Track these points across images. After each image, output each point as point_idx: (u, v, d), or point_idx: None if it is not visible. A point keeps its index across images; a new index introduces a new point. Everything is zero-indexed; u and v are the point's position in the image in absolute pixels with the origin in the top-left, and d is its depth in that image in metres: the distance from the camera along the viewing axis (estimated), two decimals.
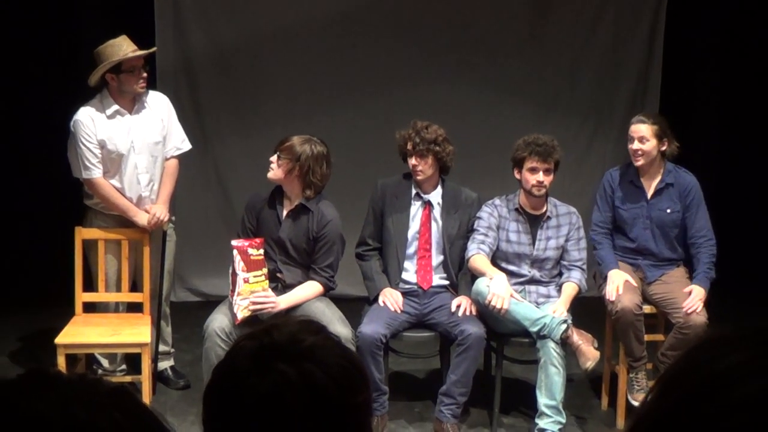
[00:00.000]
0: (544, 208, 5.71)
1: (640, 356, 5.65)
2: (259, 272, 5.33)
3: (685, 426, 0.85)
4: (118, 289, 5.87)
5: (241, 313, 5.25)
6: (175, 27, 7.76)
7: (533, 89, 8.12)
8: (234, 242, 5.35)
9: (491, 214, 5.70)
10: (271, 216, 5.51)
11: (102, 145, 5.64)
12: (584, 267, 5.73)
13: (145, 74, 5.72)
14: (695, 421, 0.85)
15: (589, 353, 5.32)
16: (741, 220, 8.03)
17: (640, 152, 5.68)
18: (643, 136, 5.67)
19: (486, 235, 5.65)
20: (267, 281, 5.37)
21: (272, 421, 1.56)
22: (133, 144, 5.71)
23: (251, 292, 5.29)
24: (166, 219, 5.79)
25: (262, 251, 5.35)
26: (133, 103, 5.74)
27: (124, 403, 1.15)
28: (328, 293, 5.58)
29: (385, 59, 7.94)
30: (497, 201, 5.76)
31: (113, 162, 5.69)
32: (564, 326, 5.34)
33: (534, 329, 5.35)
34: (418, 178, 5.68)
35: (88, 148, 5.61)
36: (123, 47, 5.66)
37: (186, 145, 6.00)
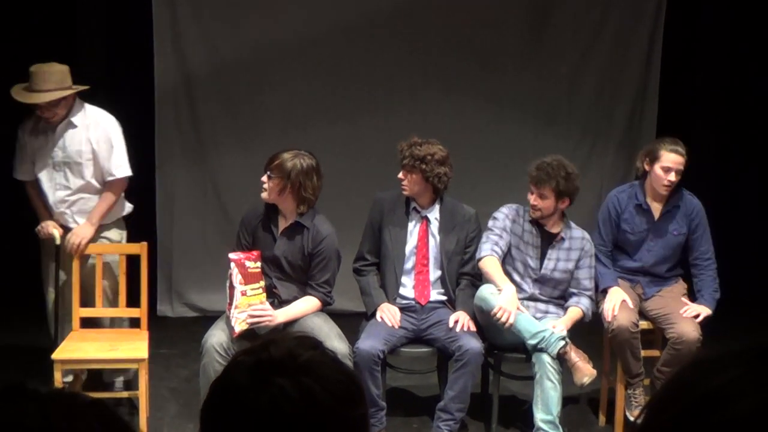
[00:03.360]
0: (559, 229, 5.70)
1: (637, 373, 5.66)
2: (256, 285, 5.35)
3: None
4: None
5: (239, 326, 5.26)
6: (173, 43, 7.78)
7: (533, 103, 8.15)
8: (231, 255, 5.37)
9: (507, 216, 5.72)
10: (267, 233, 5.53)
11: (30, 152, 5.81)
12: (593, 297, 5.73)
13: (45, 114, 5.66)
14: None
15: (586, 370, 5.34)
16: (738, 238, 8.05)
17: (672, 184, 5.68)
18: (680, 169, 5.66)
19: (500, 237, 5.66)
20: (264, 294, 5.39)
21: None
22: (53, 158, 5.76)
23: (249, 305, 5.31)
24: (82, 243, 5.73)
25: (259, 264, 5.37)
26: (58, 121, 5.76)
27: (104, 415, 1.14)
28: (325, 308, 5.59)
29: (383, 73, 7.97)
30: (516, 206, 5.77)
31: (37, 169, 5.81)
32: (562, 342, 5.35)
33: (532, 342, 5.37)
34: (404, 192, 5.71)
35: (18, 151, 5.87)
36: (32, 82, 5.64)
37: (120, 172, 5.85)
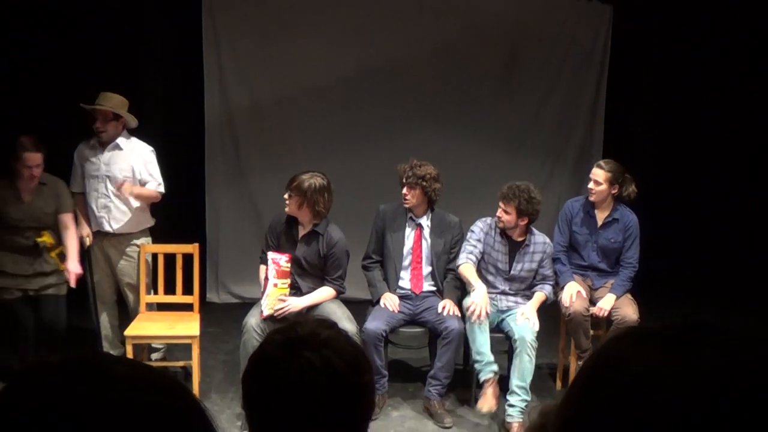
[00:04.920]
0: (523, 238, 5.64)
1: (587, 348, 5.69)
2: (285, 281, 5.40)
3: (614, 424, 0.78)
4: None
5: (267, 311, 5.34)
6: (220, 86, 7.81)
7: (505, 132, 8.13)
8: (270, 254, 5.41)
9: (482, 229, 5.68)
10: (289, 238, 5.55)
11: (81, 167, 5.85)
12: (553, 283, 5.74)
13: (98, 125, 5.70)
14: (622, 419, 0.77)
15: (491, 403, 5.35)
16: (671, 238, 8.09)
17: (593, 191, 5.75)
18: (597, 179, 5.73)
19: (475, 246, 5.64)
20: (288, 289, 5.44)
21: (299, 397, 1.61)
22: (99, 173, 5.78)
23: (277, 296, 5.37)
24: (126, 189, 5.70)
25: (290, 265, 5.42)
26: (106, 144, 5.79)
27: (173, 385, 1.00)
28: (339, 296, 5.63)
29: (385, 109, 7.97)
30: (489, 219, 5.70)
31: (86, 181, 5.84)
32: (491, 374, 5.36)
33: (474, 357, 5.42)
34: (406, 205, 5.73)
35: (73, 168, 5.90)
36: (97, 100, 5.71)
37: (160, 189, 5.88)
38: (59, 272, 5.49)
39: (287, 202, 5.44)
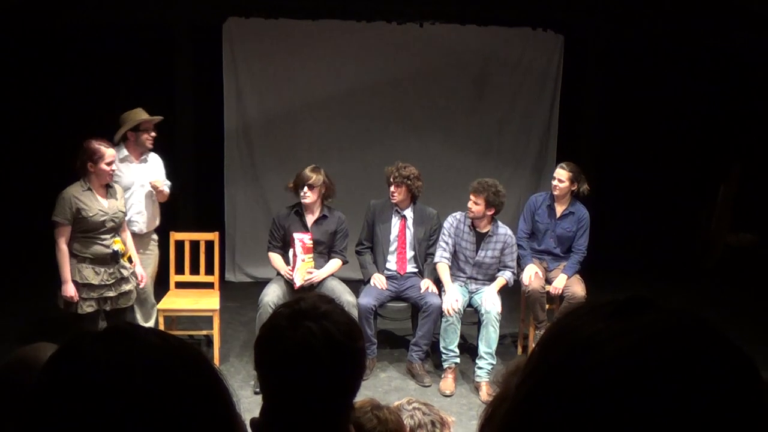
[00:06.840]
0: (488, 228, 5.60)
1: (543, 319, 5.69)
2: (309, 255, 5.39)
3: (562, 380, 0.77)
4: None
5: (299, 281, 5.35)
6: (237, 100, 7.76)
7: (475, 139, 8.11)
8: (296, 234, 5.37)
9: (452, 224, 5.62)
10: (300, 225, 5.52)
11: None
12: (515, 271, 5.69)
13: (154, 134, 5.43)
14: (568, 376, 0.76)
15: (451, 387, 5.38)
16: (611, 224, 8.09)
17: (557, 188, 5.74)
18: (560, 178, 5.72)
19: (447, 243, 5.60)
20: (313, 262, 5.44)
21: (303, 360, 1.59)
22: (134, 181, 5.39)
23: (305, 269, 5.38)
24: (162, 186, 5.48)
25: (312, 242, 5.40)
26: (139, 156, 5.45)
27: (192, 352, 0.97)
28: (339, 275, 5.62)
29: (376, 120, 7.93)
30: (458, 215, 5.66)
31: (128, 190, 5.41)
32: (453, 365, 5.41)
33: (441, 343, 5.46)
34: (393, 200, 5.71)
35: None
36: (141, 114, 5.41)
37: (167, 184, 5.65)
38: (132, 277, 4.97)
39: (308, 194, 5.41)
